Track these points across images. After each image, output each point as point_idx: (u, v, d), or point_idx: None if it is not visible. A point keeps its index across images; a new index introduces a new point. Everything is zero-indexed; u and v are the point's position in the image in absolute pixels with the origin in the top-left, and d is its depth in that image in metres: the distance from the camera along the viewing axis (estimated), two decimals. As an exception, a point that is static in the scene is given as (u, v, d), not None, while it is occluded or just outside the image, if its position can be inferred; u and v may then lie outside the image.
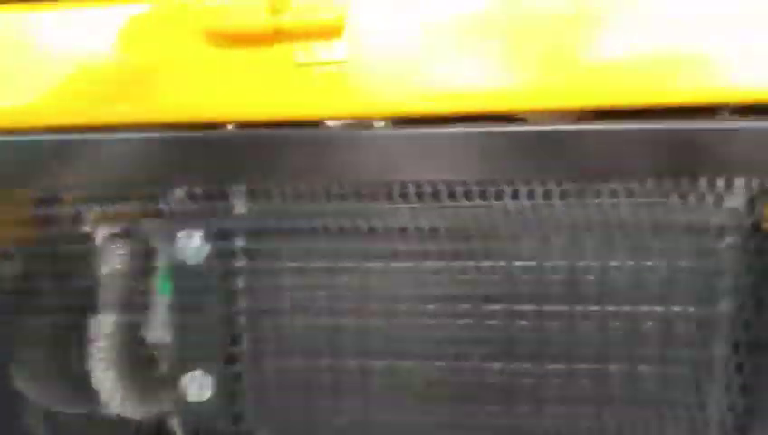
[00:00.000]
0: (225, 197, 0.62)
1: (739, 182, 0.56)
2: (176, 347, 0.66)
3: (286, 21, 0.53)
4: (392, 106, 0.55)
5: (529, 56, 0.54)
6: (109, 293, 0.70)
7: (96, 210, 0.68)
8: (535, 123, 0.56)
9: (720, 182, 0.55)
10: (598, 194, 0.57)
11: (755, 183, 0.55)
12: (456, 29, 0.54)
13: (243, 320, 0.65)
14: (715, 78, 0.53)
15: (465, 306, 0.62)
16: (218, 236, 0.62)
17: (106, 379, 0.71)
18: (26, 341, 0.72)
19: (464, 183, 0.58)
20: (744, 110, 0.55)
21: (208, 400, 0.64)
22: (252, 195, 0.62)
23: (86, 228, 0.70)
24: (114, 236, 0.70)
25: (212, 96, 0.57)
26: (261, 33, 0.53)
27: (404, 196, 0.59)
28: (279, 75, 0.55)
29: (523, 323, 0.61)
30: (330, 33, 0.53)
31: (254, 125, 0.59)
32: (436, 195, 0.59)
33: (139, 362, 0.71)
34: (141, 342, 0.70)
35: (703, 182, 0.55)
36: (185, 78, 0.57)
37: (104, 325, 0.70)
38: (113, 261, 0.70)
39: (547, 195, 0.57)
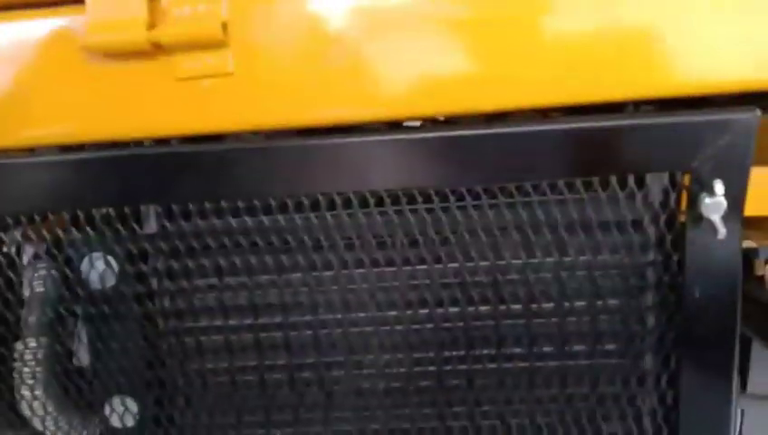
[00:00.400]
0: (134, 217, 0.59)
1: (652, 177, 0.54)
2: (96, 373, 0.63)
3: (166, 34, 0.50)
4: (285, 117, 0.53)
5: (427, 62, 0.52)
6: (32, 316, 0.68)
7: (14, 232, 0.65)
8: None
9: (631, 178, 0.53)
10: (511, 195, 0.55)
11: (667, 177, 0.54)
12: (345, 36, 0.51)
13: (165, 342, 0.63)
14: (623, 74, 0.51)
15: (393, 313, 0.60)
16: (127, 259, 0.60)
17: (35, 404, 0.69)
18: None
19: (373, 192, 0.56)
20: (648, 105, 0.53)
21: (133, 427, 0.62)
22: (162, 214, 0.60)
23: (8, 250, 0.67)
24: (37, 258, 0.67)
25: (97, 115, 0.54)
26: (140, 47, 0.50)
27: (316, 207, 0.57)
28: (164, 90, 0.52)
29: (448, 325, 0.60)
30: (213, 45, 0.50)
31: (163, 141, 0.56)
32: (348, 204, 0.57)
33: (67, 386, 0.69)
34: (69, 366, 0.68)
35: (614, 179, 0.53)
36: (68, 98, 0.53)
37: (30, 349, 0.68)
38: (36, 283, 0.67)
39: (460, 199, 0.56)
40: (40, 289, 0.66)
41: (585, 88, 0.52)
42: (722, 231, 0.51)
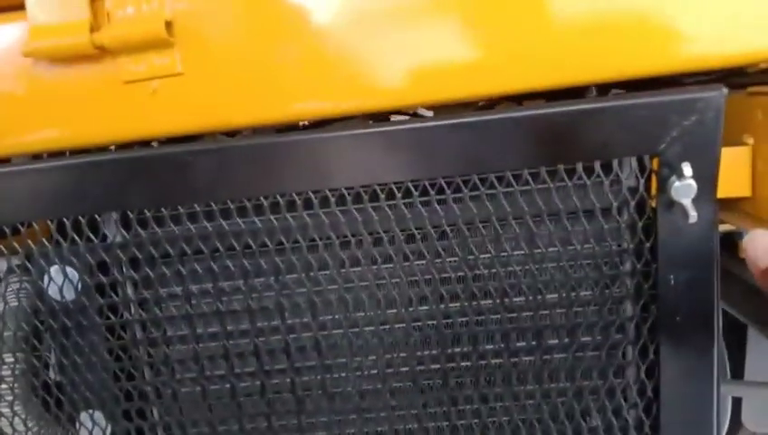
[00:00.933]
0: (91, 227, 0.57)
1: (620, 162, 0.53)
2: (65, 387, 0.62)
3: (109, 36, 0.48)
4: (240, 115, 0.51)
5: (388, 52, 0.51)
6: (6, 331, 0.66)
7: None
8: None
9: (598, 165, 0.52)
10: (475, 188, 0.54)
11: (635, 162, 0.52)
12: (299, 26, 0.50)
13: (135, 354, 0.61)
14: (582, 57, 0.50)
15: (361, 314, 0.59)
16: (89, 270, 0.58)
17: (11, 418, 0.68)
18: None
19: (335, 190, 0.54)
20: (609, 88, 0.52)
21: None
22: (125, 222, 0.58)
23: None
24: (11, 272, 0.66)
25: (48, 124, 0.52)
26: (84, 51, 0.48)
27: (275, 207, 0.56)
28: (112, 94, 0.50)
29: (419, 324, 0.59)
30: (158, 45, 0.48)
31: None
32: (309, 204, 0.55)
33: (43, 401, 0.68)
34: (46, 380, 0.67)
35: (581, 166, 0.52)
36: (17, 108, 0.52)
37: (5, 364, 0.67)
38: (10, 297, 0.66)
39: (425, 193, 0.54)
40: (13, 303, 0.65)
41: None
42: (693, 215, 0.50)
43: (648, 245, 0.54)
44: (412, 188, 0.54)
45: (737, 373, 1.14)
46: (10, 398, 0.67)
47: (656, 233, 0.53)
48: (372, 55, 0.51)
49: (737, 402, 1.14)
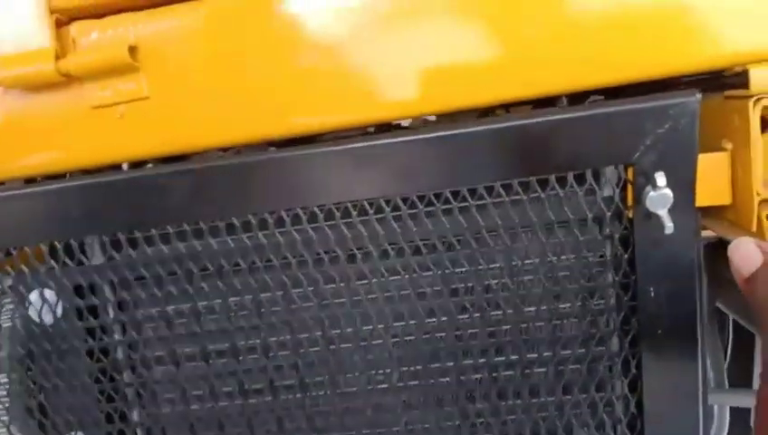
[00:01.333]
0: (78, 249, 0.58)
1: (593, 173, 0.52)
2: (50, 409, 0.62)
3: (74, 63, 0.48)
4: (209, 137, 0.51)
5: (357, 68, 0.51)
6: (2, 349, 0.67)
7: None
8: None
9: (570, 175, 0.51)
10: (447, 202, 0.53)
11: (610, 172, 0.51)
12: (260, 47, 0.50)
13: (121, 375, 0.61)
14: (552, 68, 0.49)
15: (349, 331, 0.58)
16: (70, 292, 0.58)
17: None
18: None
19: (305, 208, 0.54)
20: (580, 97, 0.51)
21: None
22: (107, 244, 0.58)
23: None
24: (8, 291, 0.66)
25: (20, 150, 0.53)
26: (51, 79, 0.49)
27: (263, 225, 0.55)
28: (81, 120, 0.51)
29: (396, 340, 0.58)
30: (123, 70, 0.49)
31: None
32: (281, 223, 0.55)
33: (36, 420, 0.68)
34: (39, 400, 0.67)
35: (553, 177, 0.51)
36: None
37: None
38: (4, 318, 0.67)
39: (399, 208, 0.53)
40: (7, 324, 0.66)
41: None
42: (668, 226, 0.48)
43: (626, 256, 0.52)
44: (384, 205, 0.53)
45: (746, 382, 1.11)
46: (5, 418, 0.67)
47: (633, 244, 0.52)
48: (346, 67, 0.51)
49: (747, 411, 1.11)
